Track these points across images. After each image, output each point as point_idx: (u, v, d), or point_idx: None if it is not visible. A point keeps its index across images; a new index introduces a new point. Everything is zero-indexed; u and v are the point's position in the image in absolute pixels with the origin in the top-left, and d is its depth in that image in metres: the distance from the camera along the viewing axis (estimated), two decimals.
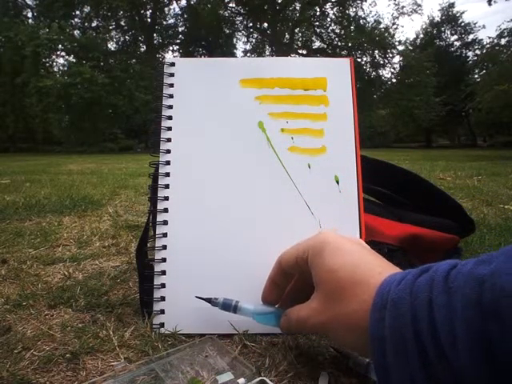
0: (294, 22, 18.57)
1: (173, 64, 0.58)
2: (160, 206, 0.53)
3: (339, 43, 18.83)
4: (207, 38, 18.01)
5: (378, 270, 0.28)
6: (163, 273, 0.51)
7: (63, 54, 14.62)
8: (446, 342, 0.21)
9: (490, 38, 15.28)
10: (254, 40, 19.82)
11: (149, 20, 17.94)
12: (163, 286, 0.50)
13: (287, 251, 0.37)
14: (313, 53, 18.53)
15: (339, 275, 0.29)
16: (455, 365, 0.21)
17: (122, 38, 17.82)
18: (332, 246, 0.32)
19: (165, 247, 0.51)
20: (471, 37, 20.16)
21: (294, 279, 0.39)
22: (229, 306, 0.42)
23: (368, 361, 0.41)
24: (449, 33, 20.98)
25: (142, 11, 17.48)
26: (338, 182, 0.53)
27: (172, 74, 0.58)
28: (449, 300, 0.21)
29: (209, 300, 0.44)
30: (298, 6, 18.25)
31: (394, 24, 18.90)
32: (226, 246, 0.51)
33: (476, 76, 16.49)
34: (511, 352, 0.19)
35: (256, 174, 0.54)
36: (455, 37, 20.74)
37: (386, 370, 0.24)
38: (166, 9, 18.33)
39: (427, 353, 0.22)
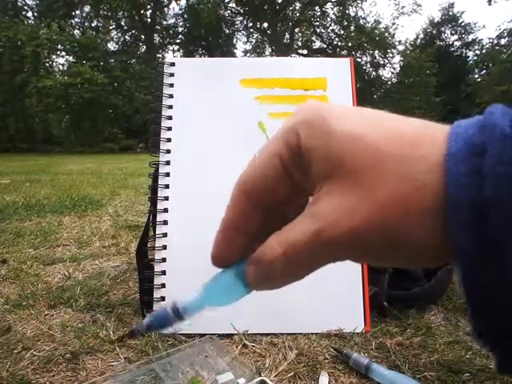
0: (294, 22, 18.60)
1: (173, 64, 0.58)
2: (160, 206, 0.53)
3: (339, 43, 18.86)
4: (207, 37, 18.04)
5: (434, 128, 0.16)
6: (163, 273, 0.51)
7: (63, 53, 14.65)
8: None
9: (490, 38, 15.33)
10: (254, 40, 19.87)
11: (149, 20, 17.96)
12: (163, 286, 0.50)
13: (251, 165, 0.19)
14: (313, 53, 18.55)
15: (369, 138, 0.15)
16: None
17: (122, 38, 17.86)
18: (337, 109, 0.17)
19: (165, 247, 0.52)
20: (471, 37, 20.21)
21: (265, 207, 0.20)
22: (165, 316, 0.28)
23: (368, 360, 0.41)
24: (449, 33, 21.01)
25: (142, 11, 17.50)
26: None
27: (172, 74, 0.58)
28: None
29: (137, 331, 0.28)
30: (298, 5, 18.29)
31: (393, 24, 18.95)
32: None
33: (476, 76, 16.52)
34: None
35: None
36: (455, 37, 20.78)
37: (479, 282, 0.13)
38: (166, 9, 18.37)
39: None
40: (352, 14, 18.44)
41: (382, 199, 0.15)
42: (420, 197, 0.14)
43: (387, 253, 0.16)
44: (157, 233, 0.52)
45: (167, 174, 0.54)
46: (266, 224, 0.19)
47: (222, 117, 0.56)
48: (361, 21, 18.35)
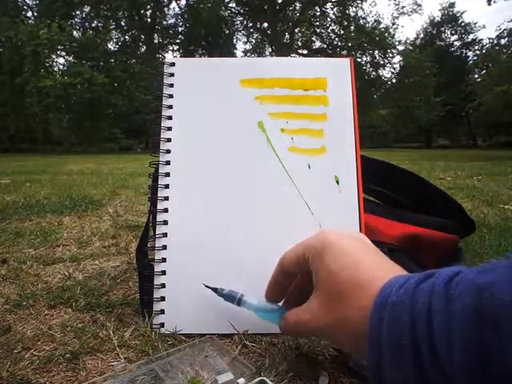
0: (294, 22, 18.58)
1: (173, 64, 0.58)
2: (160, 206, 0.53)
3: (339, 43, 18.82)
4: (207, 37, 18.01)
5: (380, 273, 0.28)
6: (163, 273, 0.51)
7: (63, 53, 14.62)
8: (442, 349, 0.21)
9: (489, 39, 15.33)
10: (253, 40, 19.83)
11: (149, 20, 17.94)
12: (163, 286, 0.50)
13: (288, 252, 0.36)
14: (313, 53, 18.53)
15: (339, 278, 0.29)
16: (449, 373, 0.21)
17: (122, 38, 17.83)
18: (333, 247, 0.31)
19: (165, 247, 0.51)
20: (471, 37, 20.20)
21: (297, 279, 0.38)
22: (233, 299, 0.42)
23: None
24: (449, 33, 21.00)
25: (142, 11, 17.48)
26: (338, 182, 0.53)
27: (172, 74, 0.58)
28: (448, 307, 0.21)
29: (215, 289, 0.44)
30: (298, 5, 18.27)
31: (394, 24, 18.91)
32: (226, 246, 0.51)
33: (476, 76, 16.50)
34: (507, 364, 0.18)
35: (256, 174, 0.54)
36: (455, 37, 20.77)
37: (380, 372, 0.24)
38: (166, 9, 18.35)
39: (423, 359, 0.22)
40: (352, 14, 18.41)
41: (336, 317, 0.28)
42: (354, 324, 0.27)
43: (339, 343, 0.33)
44: (157, 233, 0.52)
45: (167, 174, 0.54)
46: (296, 285, 0.38)
47: (221, 117, 0.56)
48: (361, 21, 18.32)
